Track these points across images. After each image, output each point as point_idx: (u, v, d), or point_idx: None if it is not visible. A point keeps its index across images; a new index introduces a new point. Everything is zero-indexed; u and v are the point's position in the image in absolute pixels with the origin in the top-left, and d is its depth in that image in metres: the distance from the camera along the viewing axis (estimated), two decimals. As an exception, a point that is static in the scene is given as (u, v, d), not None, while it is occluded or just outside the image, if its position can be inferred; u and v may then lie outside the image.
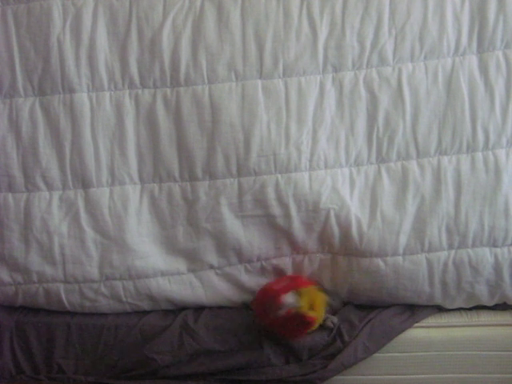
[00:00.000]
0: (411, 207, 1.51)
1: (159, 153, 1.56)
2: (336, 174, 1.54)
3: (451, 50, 1.54)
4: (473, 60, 1.53)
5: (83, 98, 1.57)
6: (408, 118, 1.53)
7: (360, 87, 1.54)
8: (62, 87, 1.57)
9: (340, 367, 1.48)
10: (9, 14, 1.59)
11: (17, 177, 1.58)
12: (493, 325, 1.55)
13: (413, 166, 1.53)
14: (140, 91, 1.57)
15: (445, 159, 1.52)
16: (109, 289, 1.57)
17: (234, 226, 1.55)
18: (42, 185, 1.58)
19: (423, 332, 1.54)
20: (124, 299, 1.58)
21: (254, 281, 1.59)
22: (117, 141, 1.57)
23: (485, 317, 1.57)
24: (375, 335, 1.50)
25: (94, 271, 1.56)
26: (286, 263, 1.58)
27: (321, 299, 1.50)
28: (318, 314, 1.47)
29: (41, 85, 1.58)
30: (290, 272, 1.58)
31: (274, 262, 1.58)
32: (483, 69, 1.53)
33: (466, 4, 1.54)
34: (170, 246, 1.58)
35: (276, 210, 1.53)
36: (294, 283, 1.49)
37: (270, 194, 1.52)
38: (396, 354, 1.53)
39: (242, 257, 1.57)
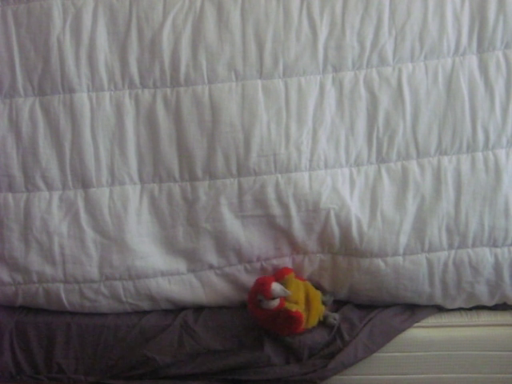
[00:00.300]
0: (411, 207, 1.51)
1: (159, 153, 1.56)
2: (336, 174, 1.54)
3: (451, 50, 1.54)
4: (473, 60, 1.53)
5: (83, 98, 1.57)
6: (408, 117, 1.53)
7: (360, 87, 1.54)
8: (62, 87, 1.57)
9: (340, 367, 1.48)
10: (9, 14, 1.59)
11: (17, 177, 1.58)
12: (493, 325, 1.55)
13: (413, 165, 1.53)
14: (140, 91, 1.57)
15: (445, 159, 1.52)
16: (109, 289, 1.57)
17: (234, 226, 1.55)
18: (41, 185, 1.57)
19: (423, 332, 1.54)
20: (124, 299, 1.58)
21: (254, 281, 1.59)
22: (117, 141, 1.57)
23: (485, 317, 1.57)
24: (375, 335, 1.50)
25: (93, 271, 1.56)
26: (286, 263, 1.58)
27: (313, 294, 1.51)
28: (312, 309, 1.49)
29: (41, 85, 1.58)
30: (290, 272, 1.59)
31: (274, 262, 1.58)
32: (483, 69, 1.53)
33: (466, 4, 1.54)
34: (170, 246, 1.58)
35: (276, 210, 1.53)
36: (277, 273, 1.52)
37: (270, 194, 1.52)
38: (396, 354, 1.53)
39: (241, 257, 1.57)
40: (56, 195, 1.58)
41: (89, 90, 1.57)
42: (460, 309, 1.59)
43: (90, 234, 1.56)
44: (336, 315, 1.52)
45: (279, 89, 1.54)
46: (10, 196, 1.58)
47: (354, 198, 1.53)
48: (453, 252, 1.52)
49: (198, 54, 1.54)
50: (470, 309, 1.59)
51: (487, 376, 1.54)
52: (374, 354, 1.51)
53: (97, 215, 1.56)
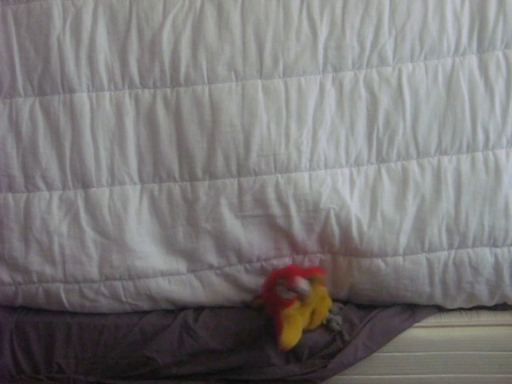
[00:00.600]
0: (411, 207, 1.51)
1: (159, 153, 1.56)
2: (336, 174, 1.54)
3: (451, 50, 1.54)
4: (473, 60, 1.53)
5: (83, 98, 1.57)
6: (408, 117, 1.53)
7: (360, 87, 1.54)
8: (62, 87, 1.57)
9: (340, 367, 1.48)
10: (9, 14, 1.59)
11: (17, 177, 1.58)
12: (493, 325, 1.55)
13: (413, 165, 1.53)
14: (140, 91, 1.57)
15: (445, 159, 1.52)
16: (109, 289, 1.57)
17: (234, 226, 1.55)
18: (41, 185, 1.57)
19: (423, 332, 1.54)
20: (124, 299, 1.58)
21: (254, 281, 1.59)
22: (117, 141, 1.57)
23: (485, 317, 1.57)
24: (375, 335, 1.50)
25: (93, 271, 1.56)
26: (286, 263, 1.58)
27: (324, 301, 1.51)
28: (316, 314, 1.49)
29: (41, 85, 1.58)
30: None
31: (274, 262, 1.58)
32: (483, 69, 1.53)
33: (466, 4, 1.54)
34: (170, 246, 1.58)
35: (276, 210, 1.53)
36: (310, 269, 1.51)
37: (270, 193, 1.52)
38: (396, 354, 1.53)
39: (241, 257, 1.57)
40: (56, 195, 1.58)
41: (89, 90, 1.57)
42: (460, 309, 1.59)
43: (90, 233, 1.56)
44: (339, 319, 1.51)
45: (279, 89, 1.54)
46: (10, 196, 1.58)
47: (354, 198, 1.53)
48: (453, 252, 1.52)
49: (198, 54, 1.54)
50: (470, 309, 1.59)
51: (487, 376, 1.54)
52: (374, 354, 1.51)
53: (97, 215, 1.56)
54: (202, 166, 1.54)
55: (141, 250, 1.56)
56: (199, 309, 1.59)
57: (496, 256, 1.52)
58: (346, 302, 1.60)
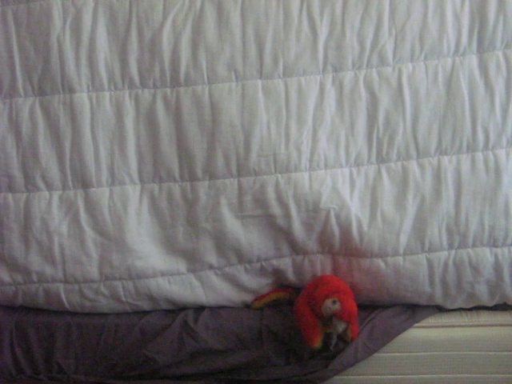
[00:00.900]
0: (411, 207, 1.51)
1: (159, 153, 1.56)
2: (336, 173, 1.54)
3: (451, 50, 1.54)
4: (473, 60, 1.53)
5: (83, 98, 1.57)
6: (408, 117, 1.53)
7: (360, 87, 1.54)
8: (62, 87, 1.57)
9: (340, 367, 1.48)
10: (9, 14, 1.59)
11: (17, 177, 1.57)
12: (493, 325, 1.55)
13: (413, 165, 1.53)
14: (140, 91, 1.57)
15: (445, 159, 1.52)
16: (109, 289, 1.57)
17: (234, 226, 1.55)
18: (41, 185, 1.57)
19: (423, 332, 1.54)
20: (124, 299, 1.58)
21: (254, 281, 1.59)
22: (117, 141, 1.57)
23: (485, 317, 1.57)
24: (375, 335, 1.50)
25: (93, 271, 1.56)
26: (286, 264, 1.58)
27: None
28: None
29: (41, 85, 1.58)
30: (290, 272, 1.58)
31: (274, 262, 1.58)
32: (483, 69, 1.53)
33: (466, 4, 1.54)
34: (170, 246, 1.57)
35: (276, 210, 1.53)
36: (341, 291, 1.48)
37: (270, 194, 1.52)
38: (396, 354, 1.53)
39: (241, 257, 1.57)
40: (56, 195, 1.57)
41: (89, 90, 1.57)
42: (460, 309, 1.59)
43: (90, 233, 1.56)
44: (335, 338, 1.49)
45: (279, 89, 1.54)
46: (9, 196, 1.58)
47: (354, 198, 1.53)
48: (453, 252, 1.52)
49: (198, 54, 1.54)
50: (470, 309, 1.59)
51: (487, 376, 1.54)
52: (374, 354, 1.51)
53: (97, 215, 1.56)
54: (202, 166, 1.54)
55: (141, 250, 1.56)
56: (199, 309, 1.59)
57: (496, 256, 1.52)
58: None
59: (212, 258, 1.57)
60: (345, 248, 1.54)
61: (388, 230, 1.51)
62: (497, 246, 1.52)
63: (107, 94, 1.57)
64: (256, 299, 1.60)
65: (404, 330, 1.53)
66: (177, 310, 1.60)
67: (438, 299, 1.56)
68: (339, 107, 1.55)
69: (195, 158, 1.54)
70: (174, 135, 1.55)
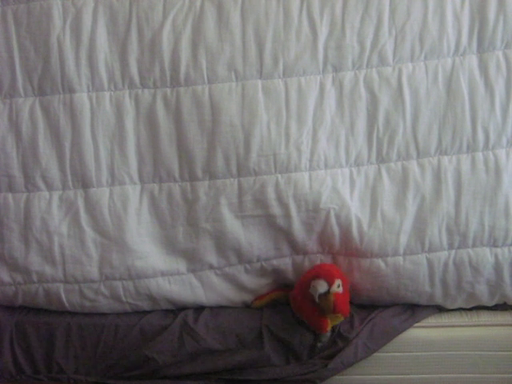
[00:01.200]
0: (411, 207, 1.51)
1: (159, 153, 1.56)
2: (336, 173, 1.54)
3: (451, 50, 1.54)
4: (473, 60, 1.53)
5: (83, 98, 1.57)
6: (408, 117, 1.53)
7: (360, 87, 1.54)
8: (62, 87, 1.57)
9: (340, 366, 1.48)
10: (9, 14, 1.59)
11: (17, 177, 1.57)
12: (493, 325, 1.55)
13: (413, 165, 1.53)
14: (140, 91, 1.57)
15: (445, 159, 1.52)
16: (109, 289, 1.57)
17: (234, 226, 1.54)
18: (41, 185, 1.57)
19: (423, 332, 1.54)
20: (124, 299, 1.58)
21: (254, 281, 1.59)
22: (117, 141, 1.57)
23: (485, 317, 1.57)
24: (375, 335, 1.50)
25: (93, 271, 1.56)
26: (286, 264, 1.58)
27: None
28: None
29: (41, 85, 1.58)
30: (290, 272, 1.58)
31: (274, 262, 1.58)
32: (483, 69, 1.53)
33: (466, 4, 1.54)
34: (170, 246, 1.57)
35: (276, 210, 1.53)
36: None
37: (270, 193, 1.52)
38: (396, 354, 1.53)
39: (241, 257, 1.57)
40: (56, 195, 1.57)
41: (89, 90, 1.57)
42: (460, 309, 1.59)
43: (90, 233, 1.56)
44: (326, 338, 1.50)
45: (279, 89, 1.54)
46: (9, 196, 1.58)
47: (354, 198, 1.53)
48: (453, 252, 1.52)
49: (198, 54, 1.54)
50: (470, 309, 1.59)
51: (487, 376, 1.54)
52: (374, 354, 1.51)
53: (97, 215, 1.56)
54: (202, 166, 1.54)
55: (141, 250, 1.56)
56: (199, 309, 1.59)
57: (496, 256, 1.52)
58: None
59: (212, 258, 1.57)
60: (345, 248, 1.54)
61: (388, 229, 1.51)
62: (497, 246, 1.52)
63: (107, 94, 1.57)
64: (256, 299, 1.59)
65: (404, 330, 1.53)
66: (177, 309, 1.60)
67: (438, 299, 1.56)
68: (339, 107, 1.55)
69: (195, 158, 1.54)
70: (174, 135, 1.55)
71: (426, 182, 1.52)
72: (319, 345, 1.49)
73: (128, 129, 1.56)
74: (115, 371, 1.53)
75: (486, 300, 1.57)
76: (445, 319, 1.57)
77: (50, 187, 1.58)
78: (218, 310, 1.59)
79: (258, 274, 1.59)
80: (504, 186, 1.50)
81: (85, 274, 1.56)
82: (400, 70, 1.54)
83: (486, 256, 1.52)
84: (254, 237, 1.55)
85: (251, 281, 1.59)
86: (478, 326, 1.55)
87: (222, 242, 1.55)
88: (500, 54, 1.53)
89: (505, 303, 1.58)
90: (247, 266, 1.58)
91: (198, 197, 1.55)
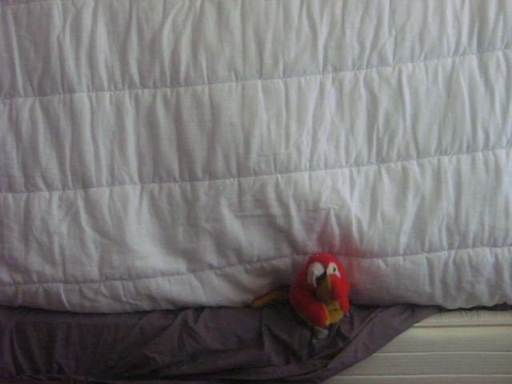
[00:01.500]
0: (411, 207, 1.51)
1: (159, 153, 1.56)
2: (336, 173, 1.54)
3: (451, 50, 1.54)
4: (473, 60, 1.53)
5: (83, 98, 1.57)
6: (408, 117, 1.53)
7: (360, 87, 1.54)
8: (62, 87, 1.57)
9: (340, 366, 1.48)
10: (9, 14, 1.59)
11: (17, 177, 1.58)
12: (493, 325, 1.55)
13: (413, 165, 1.53)
14: (140, 91, 1.57)
15: (445, 159, 1.52)
16: (109, 289, 1.57)
17: (234, 226, 1.55)
18: (41, 185, 1.57)
19: (423, 332, 1.54)
20: (124, 299, 1.58)
21: (254, 281, 1.59)
22: (117, 141, 1.57)
23: (485, 317, 1.57)
24: (376, 335, 1.50)
25: (93, 271, 1.56)
26: (286, 264, 1.58)
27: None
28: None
29: (41, 85, 1.58)
30: (290, 272, 1.58)
31: (274, 262, 1.58)
32: (483, 69, 1.53)
33: (466, 4, 1.54)
34: (170, 246, 1.58)
35: (276, 209, 1.53)
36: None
37: (270, 193, 1.52)
38: (396, 354, 1.53)
39: (241, 257, 1.57)
40: (56, 195, 1.58)
41: (89, 90, 1.57)
42: (460, 309, 1.59)
43: (90, 234, 1.56)
44: (324, 334, 1.50)
45: (279, 89, 1.54)
46: (9, 196, 1.58)
47: (354, 198, 1.53)
48: (453, 252, 1.52)
49: (198, 54, 1.54)
50: (470, 309, 1.59)
51: (487, 376, 1.54)
52: (374, 354, 1.51)
53: (97, 215, 1.56)
54: (202, 166, 1.54)
55: (141, 250, 1.56)
56: (199, 309, 1.59)
57: (496, 256, 1.52)
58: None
59: (212, 258, 1.57)
60: (345, 248, 1.54)
61: (388, 229, 1.51)
62: (497, 246, 1.52)
63: (107, 94, 1.57)
64: (256, 299, 1.59)
65: (404, 330, 1.53)
66: (177, 309, 1.60)
67: (438, 299, 1.56)
68: (339, 107, 1.55)
69: (195, 158, 1.54)
70: (174, 135, 1.55)
71: (426, 182, 1.52)
72: (315, 341, 1.49)
73: (128, 129, 1.56)
74: (115, 371, 1.53)
75: (486, 300, 1.57)
76: (445, 319, 1.57)
77: (49, 187, 1.58)
78: (217, 310, 1.59)
79: (258, 273, 1.59)
80: (504, 186, 1.50)
81: (85, 274, 1.56)
82: (400, 70, 1.54)
83: (485, 256, 1.52)
84: (254, 237, 1.55)
85: (251, 281, 1.59)
86: (478, 326, 1.55)
87: (221, 242, 1.56)
88: (500, 54, 1.53)
89: (505, 303, 1.58)
90: (247, 266, 1.58)
91: (198, 197, 1.55)
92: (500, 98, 1.52)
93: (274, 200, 1.52)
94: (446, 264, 1.52)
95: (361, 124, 1.54)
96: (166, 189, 1.57)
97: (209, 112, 1.54)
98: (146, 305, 1.59)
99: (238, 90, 1.54)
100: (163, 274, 1.57)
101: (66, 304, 1.58)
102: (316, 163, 1.54)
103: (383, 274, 1.52)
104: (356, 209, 1.52)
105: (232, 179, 1.54)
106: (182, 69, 1.55)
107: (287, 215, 1.52)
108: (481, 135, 1.51)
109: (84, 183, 1.57)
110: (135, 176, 1.57)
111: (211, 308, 1.60)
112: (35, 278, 1.57)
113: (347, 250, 1.54)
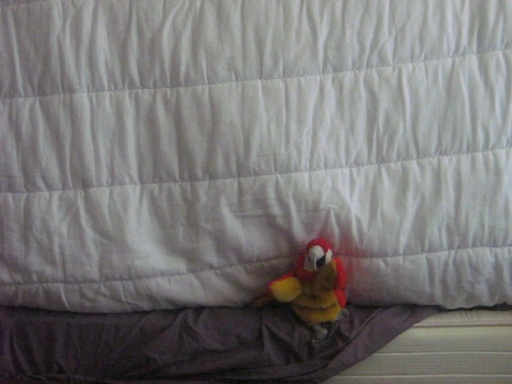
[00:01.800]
0: (411, 207, 1.51)
1: (159, 153, 1.56)
2: (336, 173, 1.54)
3: (451, 50, 1.54)
4: (473, 60, 1.53)
5: (83, 98, 1.57)
6: (408, 117, 1.53)
7: (360, 87, 1.54)
8: (62, 87, 1.57)
9: (340, 366, 1.48)
10: (9, 14, 1.59)
11: (17, 177, 1.58)
12: (493, 325, 1.55)
13: (413, 165, 1.53)
14: (140, 91, 1.57)
15: (445, 159, 1.53)
16: (109, 289, 1.57)
17: (234, 226, 1.55)
18: (41, 185, 1.57)
19: (423, 332, 1.54)
20: (124, 299, 1.58)
21: (254, 281, 1.59)
22: (117, 141, 1.57)
23: (485, 317, 1.57)
24: (376, 335, 1.50)
25: (93, 271, 1.56)
26: (286, 263, 1.58)
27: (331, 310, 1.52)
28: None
29: (41, 85, 1.58)
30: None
31: (274, 262, 1.58)
32: (483, 69, 1.53)
33: (466, 4, 1.54)
34: (170, 246, 1.58)
35: (276, 209, 1.53)
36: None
37: (270, 193, 1.52)
38: (396, 354, 1.53)
39: (241, 257, 1.57)
40: (56, 195, 1.58)
41: (89, 90, 1.57)
42: (460, 309, 1.59)
43: (89, 233, 1.56)
44: (323, 333, 1.51)
45: (279, 89, 1.54)
46: (9, 196, 1.58)
47: (354, 198, 1.53)
48: (453, 252, 1.52)
49: (198, 54, 1.54)
50: (470, 309, 1.59)
51: (487, 376, 1.54)
52: (374, 354, 1.51)
53: (97, 215, 1.56)
54: (202, 166, 1.54)
55: (141, 250, 1.56)
56: (199, 309, 1.60)
57: (496, 256, 1.52)
58: (346, 303, 1.60)
59: (212, 258, 1.57)
60: (345, 248, 1.54)
61: (388, 229, 1.51)
62: (497, 246, 1.52)
63: (107, 94, 1.57)
64: (256, 299, 1.60)
65: (404, 329, 1.53)
66: (177, 309, 1.60)
67: (438, 299, 1.56)
68: (339, 107, 1.55)
69: (195, 158, 1.54)
70: (174, 135, 1.55)
71: (425, 182, 1.52)
72: (314, 341, 1.49)
73: (128, 129, 1.56)
74: (115, 371, 1.53)
75: (485, 300, 1.57)
76: (445, 319, 1.57)
77: (50, 187, 1.58)
78: (217, 310, 1.59)
79: (258, 273, 1.59)
80: (504, 186, 1.50)
81: (85, 274, 1.56)
82: (400, 70, 1.54)
83: (485, 256, 1.52)
84: (254, 237, 1.55)
85: (251, 281, 1.59)
86: (478, 326, 1.55)
87: (221, 242, 1.56)
88: (500, 53, 1.53)
89: (505, 303, 1.58)
90: (247, 265, 1.58)
91: (198, 197, 1.55)
92: (500, 98, 1.52)
93: (274, 200, 1.52)
94: (445, 264, 1.52)
95: (361, 124, 1.55)
96: (165, 189, 1.57)
97: (209, 112, 1.54)
98: (146, 305, 1.60)
99: (237, 90, 1.54)
100: (163, 273, 1.57)
101: (66, 304, 1.58)
102: (316, 163, 1.54)
103: (383, 273, 1.52)
104: (356, 209, 1.52)
105: (232, 179, 1.54)
106: (182, 69, 1.55)
107: (287, 215, 1.52)
108: (481, 135, 1.51)
109: (84, 183, 1.57)
110: (135, 176, 1.57)
111: (211, 308, 1.60)
112: (35, 278, 1.57)
113: (347, 249, 1.54)
